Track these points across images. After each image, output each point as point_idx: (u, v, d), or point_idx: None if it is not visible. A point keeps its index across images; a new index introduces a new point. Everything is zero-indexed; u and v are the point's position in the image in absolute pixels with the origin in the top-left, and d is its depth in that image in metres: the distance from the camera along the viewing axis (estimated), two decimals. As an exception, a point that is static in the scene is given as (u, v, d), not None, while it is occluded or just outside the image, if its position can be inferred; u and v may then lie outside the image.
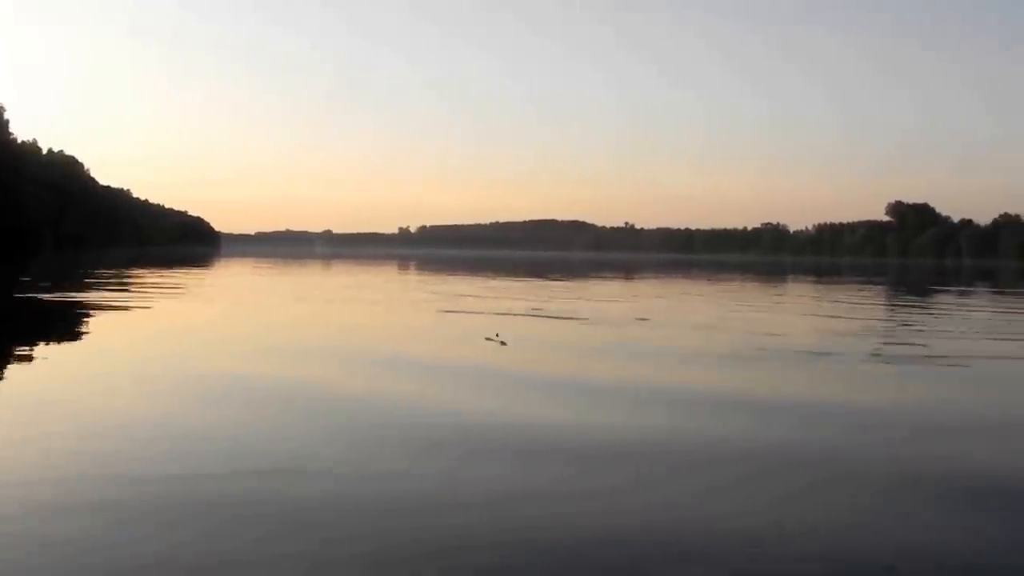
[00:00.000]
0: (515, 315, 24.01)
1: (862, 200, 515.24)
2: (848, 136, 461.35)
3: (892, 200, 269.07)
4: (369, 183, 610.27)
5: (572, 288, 46.01)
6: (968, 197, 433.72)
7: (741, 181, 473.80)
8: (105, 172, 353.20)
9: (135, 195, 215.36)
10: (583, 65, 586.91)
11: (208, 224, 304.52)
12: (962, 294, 45.71)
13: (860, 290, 47.90)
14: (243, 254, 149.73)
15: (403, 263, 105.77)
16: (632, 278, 63.69)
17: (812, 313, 28.39)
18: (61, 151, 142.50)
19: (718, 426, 9.33)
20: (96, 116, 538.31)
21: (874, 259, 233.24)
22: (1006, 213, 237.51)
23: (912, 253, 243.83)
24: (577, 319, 23.67)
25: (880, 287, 53.97)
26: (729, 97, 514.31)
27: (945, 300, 39.91)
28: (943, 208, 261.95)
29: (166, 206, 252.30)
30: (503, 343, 15.99)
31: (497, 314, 24.08)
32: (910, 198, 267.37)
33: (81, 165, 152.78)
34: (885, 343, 18.22)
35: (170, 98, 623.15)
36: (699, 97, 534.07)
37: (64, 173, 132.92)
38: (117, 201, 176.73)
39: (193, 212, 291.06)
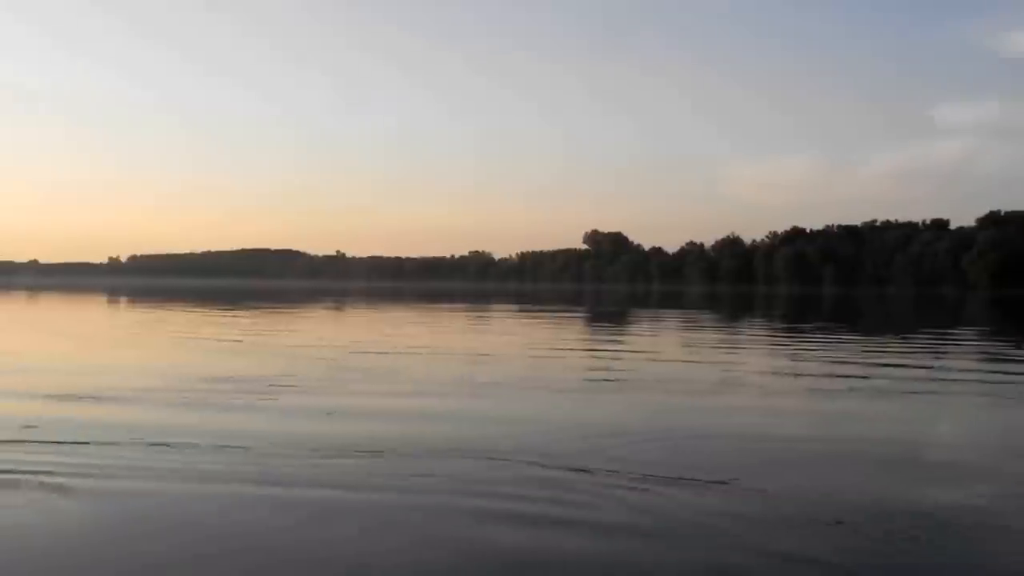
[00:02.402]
0: None
1: (563, 229, 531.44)
2: (552, 166, 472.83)
3: (589, 229, 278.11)
4: (77, 211, 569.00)
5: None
6: (658, 226, 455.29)
7: (449, 210, 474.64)
8: None
9: None
10: (291, 90, 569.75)
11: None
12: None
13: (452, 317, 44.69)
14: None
15: (108, 294, 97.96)
16: (271, 309, 58.39)
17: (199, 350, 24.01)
18: None
19: None
20: None
21: (573, 285, 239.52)
22: (691, 241, 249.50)
23: (607, 279, 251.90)
24: None
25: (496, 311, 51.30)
26: (434, 126, 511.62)
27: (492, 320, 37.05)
28: (636, 237, 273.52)
29: None
30: None
31: None
32: (606, 227, 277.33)
33: None
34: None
35: None
36: (406, 126, 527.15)
37: None
38: None
39: None
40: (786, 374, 18.23)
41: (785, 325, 40.72)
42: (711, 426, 11.41)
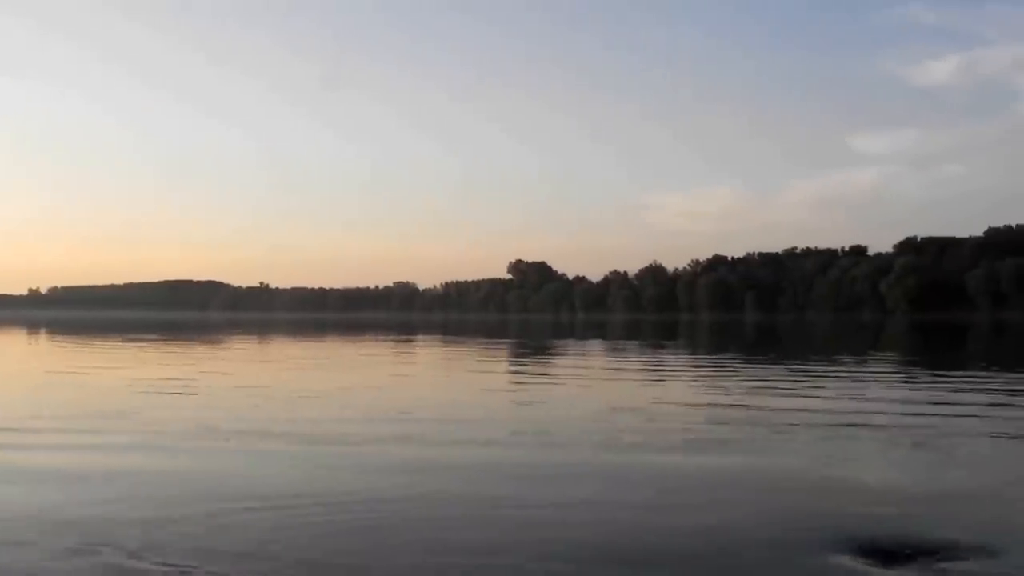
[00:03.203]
0: None
1: (487, 259, 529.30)
2: (476, 197, 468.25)
3: (514, 259, 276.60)
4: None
5: None
6: (582, 256, 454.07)
7: (374, 242, 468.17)
8: None
9: None
10: (216, 120, 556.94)
11: None
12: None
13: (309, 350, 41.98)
14: None
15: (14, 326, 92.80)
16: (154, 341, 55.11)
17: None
18: None
19: None
20: None
21: (497, 314, 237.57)
22: (615, 270, 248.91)
23: (532, 308, 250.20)
24: None
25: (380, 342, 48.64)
26: (353, 158, 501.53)
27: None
28: (560, 266, 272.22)
29: None
30: None
31: None
32: (530, 257, 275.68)
33: None
34: None
35: None
36: (324, 159, 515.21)
37: None
38: None
39: None
40: (622, 411, 15.71)
41: (694, 354, 38.50)
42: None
